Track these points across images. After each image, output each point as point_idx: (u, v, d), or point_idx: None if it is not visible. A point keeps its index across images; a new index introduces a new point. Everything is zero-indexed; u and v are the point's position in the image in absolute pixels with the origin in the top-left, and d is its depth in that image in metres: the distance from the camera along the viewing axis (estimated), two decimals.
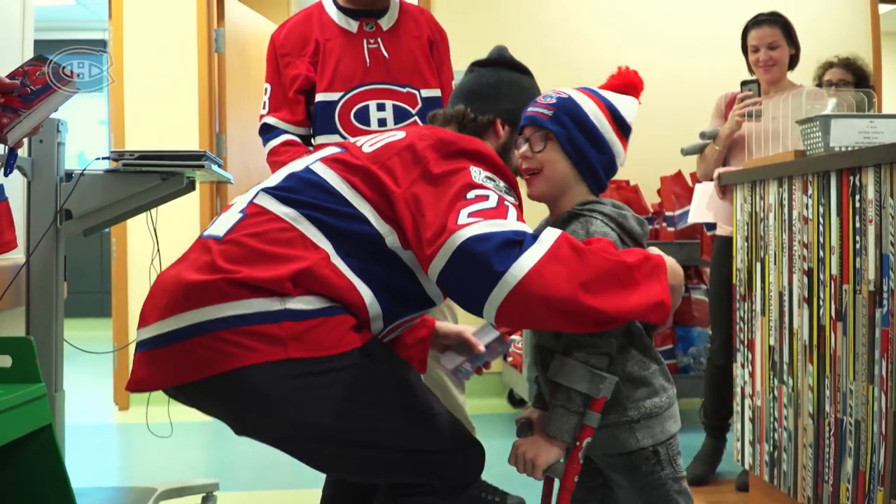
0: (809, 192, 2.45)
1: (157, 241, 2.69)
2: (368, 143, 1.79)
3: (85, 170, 2.47)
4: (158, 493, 2.73)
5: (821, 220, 2.39)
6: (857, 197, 2.22)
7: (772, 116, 3.21)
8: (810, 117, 2.56)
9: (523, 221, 1.62)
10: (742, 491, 3.12)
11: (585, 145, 1.72)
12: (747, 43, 3.43)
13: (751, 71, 3.47)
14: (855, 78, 3.80)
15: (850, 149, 2.42)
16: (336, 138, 2.64)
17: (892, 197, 2.08)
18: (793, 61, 3.43)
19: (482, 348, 2.03)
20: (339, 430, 1.63)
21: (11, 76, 1.60)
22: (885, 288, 2.11)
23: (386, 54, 2.73)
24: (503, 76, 2.03)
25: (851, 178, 2.24)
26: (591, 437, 1.60)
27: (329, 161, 1.76)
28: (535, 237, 1.55)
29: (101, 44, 8.85)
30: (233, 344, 1.56)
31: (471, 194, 1.62)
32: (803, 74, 3.59)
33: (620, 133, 1.76)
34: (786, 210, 2.59)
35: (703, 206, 3.36)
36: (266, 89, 2.79)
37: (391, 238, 1.67)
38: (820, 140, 2.49)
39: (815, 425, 2.44)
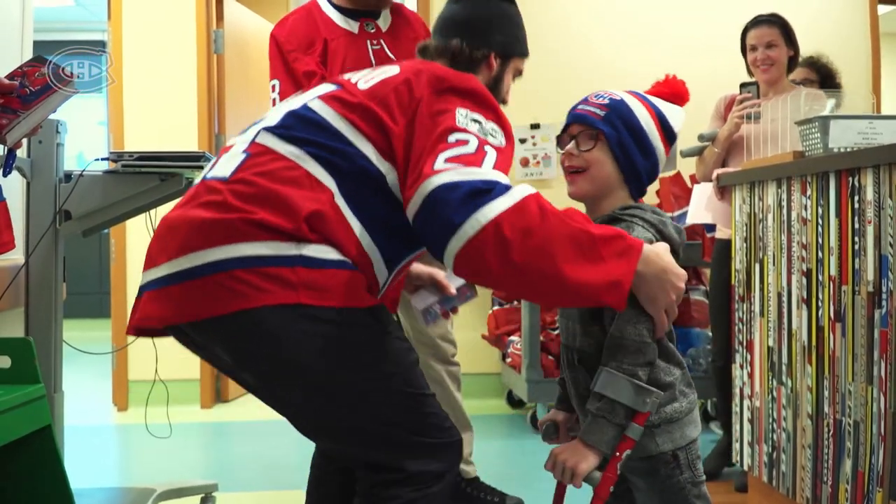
0: (808, 193, 2.46)
1: None
2: (364, 80, 1.76)
3: (84, 171, 2.47)
4: (157, 494, 2.72)
5: (819, 221, 2.39)
6: (856, 198, 2.22)
7: (771, 118, 3.22)
8: (809, 118, 2.57)
9: (503, 168, 1.61)
10: (741, 492, 3.12)
11: (634, 150, 1.71)
12: (746, 43, 3.44)
13: (749, 72, 3.47)
14: (819, 76, 3.83)
15: (848, 150, 2.42)
16: None
17: (891, 198, 2.08)
18: (791, 62, 3.44)
19: (453, 290, 2.03)
20: (332, 383, 1.62)
21: (10, 77, 1.60)
22: (883, 289, 2.11)
23: (391, 56, 2.74)
24: (493, 7, 2.02)
25: (850, 179, 2.25)
26: (632, 449, 1.59)
27: (327, 99, 1.72)
28: (506, 188, 1.54)
29: (100, 45, 8.85)
30: (245, 284, 1.54)
31: (452, 138, 1.60)
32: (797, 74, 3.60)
33: (666, 141, 1.76)
34: (785, 211, 2.59)
35: (701, 207, 3.37)
36: (274, 86, 2.75)
37: (391, 176, 1.65)
38: (819, 141, 2.50)
39: (813, 426, 2.44)
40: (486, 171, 1.55)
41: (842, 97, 3.27)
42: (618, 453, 1.58)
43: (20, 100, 1.58)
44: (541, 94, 4.85)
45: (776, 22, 3.40)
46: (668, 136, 1.76)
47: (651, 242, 1.61)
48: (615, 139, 1.69)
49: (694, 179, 3.92)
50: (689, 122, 3.70)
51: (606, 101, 1.72)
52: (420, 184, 1.55)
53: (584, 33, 4.99)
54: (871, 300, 2.16)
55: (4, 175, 1.77)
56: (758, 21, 3.43)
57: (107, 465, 3.86)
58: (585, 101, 1.75)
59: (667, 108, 1.77)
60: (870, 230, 2.16)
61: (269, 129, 1.69)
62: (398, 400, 1.68)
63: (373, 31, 2.76)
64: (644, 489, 1.72)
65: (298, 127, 1.68)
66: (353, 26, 2.75)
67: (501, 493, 2.96)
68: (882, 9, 5.30)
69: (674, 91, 1.82)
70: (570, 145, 1.73)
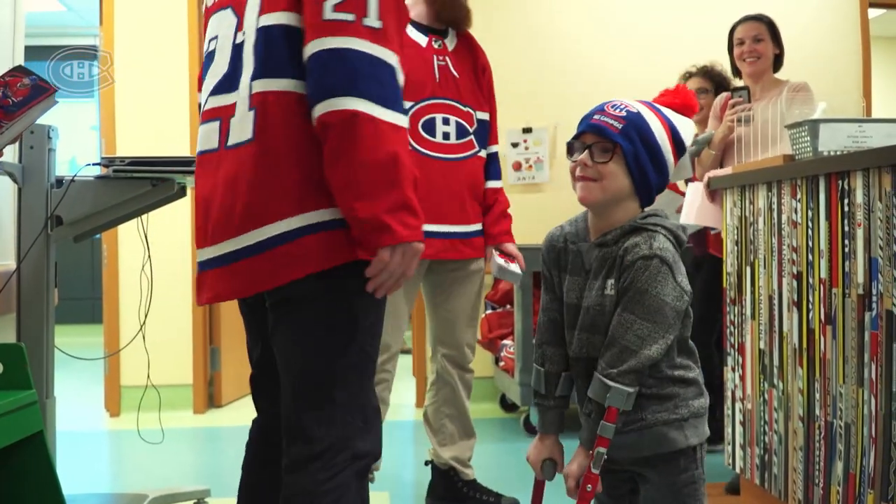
0: (798, 196, 2.47)
1: (147, 247, 2.69)
2: None
3: (76, 176, 2.46)
4: (150, 500, 2.72)
5: (810, 224, 2.40)
6: (846, 201, 2.23)
7: (762, 120, 3.24)
8: (799, 122, 2.58)
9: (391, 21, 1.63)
10: (732, 493, 3.12)
11: (648, 165, 1.71)
12: (733, 39, 3.60)
13: (734, 71, 3.59)
14: (713, 84, 3.93)
15: (838, 153, 2.43)
16: None
17: (880, 201, 2.09)
18: (777, 61, 3.56)
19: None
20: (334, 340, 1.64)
21: None
22: (873, 291, 2.12)
23: (455, 74, 2.84)
24: None
25: (840, 182, 2.26)
26: (643, 432, 1.64)
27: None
28: (392, 94, 1.59)
29: (93, 50, 8.83)
30: (305, 248, 1.58)
31: None
32: (791, 77, 3.62)
33: (676, 154, 1.77)
34: (775, 214, 2.60)
35: (693, 209, 3.38)
36: None
37: None
38: (809, 144, 2.51)
39: (805, 428, 2.45)
40: (377, 48, 1.58)
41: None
42: (591, 451, 1.63)
43: (2, 110, 1.58)
44: (533, 98, 4.87)
45: (763, 19, 3.55)
46: (679, 149, 1.77)
47: (664, 256, 1.63)
48: (632, 154, 1.69)
49: (695, 179, 3.95)
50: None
51: (624, 114, 1.71)
52: (310, 38, 1.56)
53: (576, 37, 5.00)
54: (861, 303, 2.17)
55: None
56: (745, 18, 3.58)
57: (99, 470, 3.84)
58: (602, 110, 1.73)
59: (679, 122, 1.77)
60: (860, 233, 2.17)
61: (256, 77, 1.63)
62: (359, 369, 1.68)
63: (439, 47, 2.86)
64: (655, 481, 1.74)
65: (273, 56, 1.64)
66: (421, 40, 2.84)
67: (497, 494, 2.98)
68: (872, 12, 5.33)
69: (685, 102, 1.82)
70: (584, 155, 1.71)
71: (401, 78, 1.66)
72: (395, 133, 1.57)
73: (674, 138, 1.75)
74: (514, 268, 2.86)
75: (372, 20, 1.62)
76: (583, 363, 1.73)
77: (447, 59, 2.84)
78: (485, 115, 2.92)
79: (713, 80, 3.93)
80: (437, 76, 2.80)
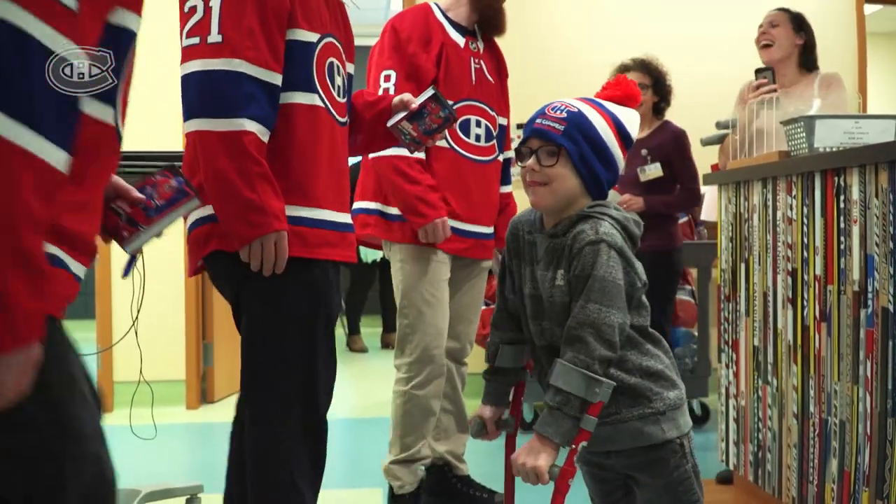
0: (794, 192, 2.46)
1: None
2: None
3: None
4: (142, 496, 2.71)
5: (805, 220, 2.39)
6: (842, 197, 2.22)
7: (793, 110, 3.19)
8: (794, 118, 2.57)
9: (235, 15, 1.76)
10: (723, 483, 3.12)
11: (595, 162, 1.71)
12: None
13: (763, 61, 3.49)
14: (652, 79, 3.87)
15: (834, 149, 2.42)
16: (443, 143, 2.75)
17: (876, 197, 2.08)
18: (803, 53, 3.44)
19: (415, 105, 2.12)
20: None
21: (141, 186, 1.54)
22: (869, 288, 2.11)
23: (490, 78, 2.88)
24: None
25: (836, 178, 2.25)
26: (587, 440, 1.59)
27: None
28: (237, 101, 1.80)
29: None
30: None
31: (186, 5, 1.72)
32: None
33: (623, 147, 1.76)
34: (770, 211, 2.60)
35: (712, 209, 3.35)
36: (388, 76, 2.74)
37: None
38: (804, 141, 2.50)
39: (799, 426, 2.44)
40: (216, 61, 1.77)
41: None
42: (573, 446, 1.58)
43: (145, 213, 1.55)
44: (528, 94, 4.84)
45: (787, 10, 3.46)
46: (626, 142, 1.75)
47: (611, 241, 1.62)
48: (576, 153, 1.68)
49: (716, 168, 3.93)
50: (694, 121, 3.71)
51: (564, 115, 1.70)
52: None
53: (574, 35, 4.99)
54: (856, 300, 2.17)
55: (124, 276, 1.76)
56: (772, 9, 3.50)
57: None
58: (543, 114, 1.73)
59: (622, 114, 1.76)
60: (855, 230, 2.16)
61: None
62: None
63: (475, 49, 2.86)
64: (649, 483, 1.73)
65: None
66: (460, 41, 2.84)
67: (491, 491, 2.97)
68: (868, 8, 5.32)
69: (626, 93, 1.80)
70: (532, 160, 1.71)
71: (256, 71, 1.82)
72: (223, 141, 1.80)
73: (619, 131, 1.74)
74: None
75: (213, 36, 1.79)
76: (546, 351, 1.72)
77: (482, 62, 2.87)
78: (504, 121, 2.96)
79: (651, 75, 3.87)
80: (474, 78, 2.82)
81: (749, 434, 2.75)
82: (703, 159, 4.25)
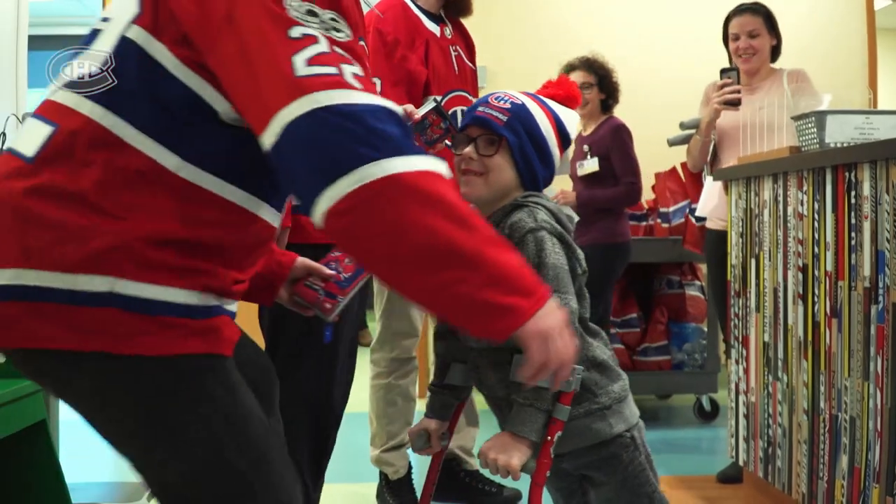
0: (804, 188, 2.45)
1: None
2: None
3: None
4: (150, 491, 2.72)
5: (816, 216, 2.39)
6: (853, 193, 2.22)
7: (758, 107, 3.19)
8: (805, 113, 2.56)
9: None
10: (725, 482, 3.13)
11: (534, 158, 1.68)
12: (728, 31, 3.42)
13: (731, 61, 3.46)
14: (597, 78, 3.87)
15: (845, 145, 2.42)
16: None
17: (887, 193, 2.08)
18: (774, 52, 3.42)
19: (417, 116, 2.02)
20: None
21: (326, 263, 1.68)
22: (880, 284, 2.11)
23: (469, 64, 2.80)
24: None
25: (847, 174, 2.25)
26: (562, 430, 1.56)
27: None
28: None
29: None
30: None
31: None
32: (799, 65, 3.57)
33: (561, 146, 1.73)
34: (781, 206, 2.59)
35: (711, 203, 3.34)
36: (374, 84, 2.57)
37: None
38: (815, 136, 2.49)
39: (809, 422, 2.44)
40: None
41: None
42: (549, 437, 1.55)
43: (338, 285, 1.68)
44: (534, 86, 4.85)
45: (759, 10, 3.37)
46: (565, 142, 1.74)
47: (552, 228, 1.59)
48: (517, 146, 1.66)
49: (685, 168, 3.92)
50: (684, 117, 3.71)
51: (509, 106, 1.68)
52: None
53: (577, 30, 4.99)
54: (867, 296, 2.16)
55: (326, 341, 1.82)
56: (740, 9, 3.40)
57: (101, 459, 3.85)
58: (486, 102, 1.70)
59: (563, 114, 1.74)
60: (866, 226, 2.16)
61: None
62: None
63: (450, 36, 2.76)
64: (605, 481, 1.69)
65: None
66: (436, 30, 2.73)
67: (499, 485, 2.98)
68: (878, 3, 5.30)
69: (568, 94, 1.78)
70: (469, 149, 1.67)
71: None
72: None
73: (559, 130, 1.72)
74: None
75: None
76: (483, 354, 1.67)
77: (458, 48, 2.78)
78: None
79: (596, 74, 3.86)
80: (456, 67, 2.75)
81: (759, 430, 2.75)
82: (679, 160, 4.24)
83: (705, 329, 4.26)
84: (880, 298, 2.11)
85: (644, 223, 4.44)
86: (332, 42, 1.24)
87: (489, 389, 1.71)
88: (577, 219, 1.76)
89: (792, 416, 2.54)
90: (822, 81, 3.48)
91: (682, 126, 3.44)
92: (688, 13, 4.98)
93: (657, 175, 4.51)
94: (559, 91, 1.78)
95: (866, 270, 2.16)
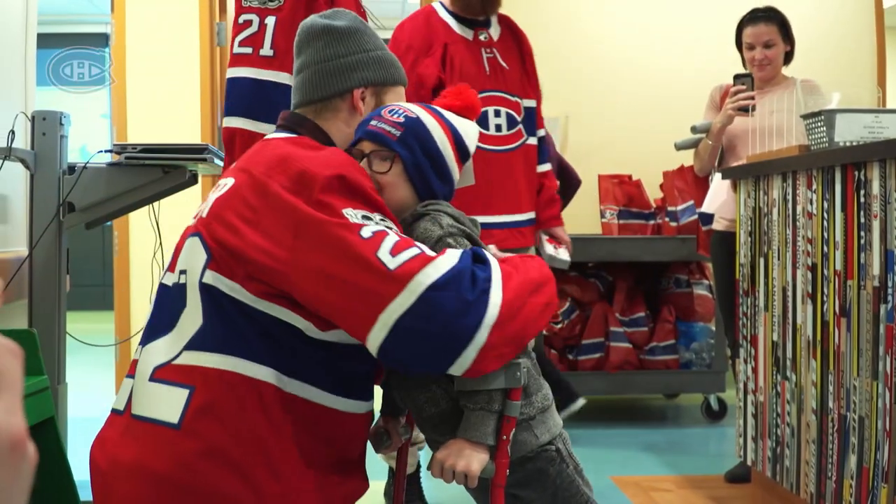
0: (814, 186, 2.45)
1: (159, 234, 2.69)
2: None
3: (88, 163, 2.46)
4: None
5: (825, 215, 2.38)
6: (862, 192, 2.21)
7: (768, 111, 3.19)
8: (814, 112, 2.55)
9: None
10: (732, 482, 3.12)
11: (430, 174, 1.62)
12: (742, 39, 3.40)
13: (745, 66, 3.45)
14: None
15: (854, 143, 2.41)
16: None
17: None
18: (788, 57, 3.40)
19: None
20: None
21: None
22: (889, 284, 2.10)
23: (504, 65, 2.85)
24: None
25: (856, 173, 2.24)
26: (518, 423, 1.54)
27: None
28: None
29: (104, 38, 8.84)
30: None
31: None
32: (801, 67, 3.56)
33: (460, 161, 1.68)
34: (790, 205, 2.59)
35: (717, 202, 3.32)
36: None
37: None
38: (824, 135, 2.49)
39: (818, 421, 2.43)
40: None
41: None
42: (504, 437, 1.53)
43: None
44: (543, 88, 4.84)
45: (774, 18, 3.35)
46: (463, 156, 1.68)
47: (459, 230, 1.57)
48: (412, 162, 1.60)
49: (690, 171, 3.91)
50: (692, 116, 3.72)
51: (402, 120, 1.61)
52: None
53: (590, 29, 4.98)
54: (876, 295, 2.16)
55: None
56: (755, 17, 3.37)
57: None
58: (379, 115, 1.63)
59: (461, 126, 1.68)
60: (876, 224, 2.15)
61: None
62: None
63: (486, 39, 2.84)
64: (536, 497, 1.66)
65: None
66: (468, 34, 2.83)
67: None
68: (887, 1, 5.27)
69: (466, 104, 1.72)
70: (362, 164, 1.60)
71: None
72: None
73: (456, 144, 1.65)
74: (563, 254, 2.88)
75: (265, 50, 1.94)
76: (400, 374, 1.62)
77: (494, 50, 2.85)
78: (531, 103, 2.93)
79: None
80: (487, 69, 2.81)
81: (767, 430, 2.74)
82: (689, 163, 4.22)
83: (713, 328, 4.25)
84: (889, 298, 2.10)
85: (652, 222, 4.43)
86: (393, 230, 1.44)
87: (418, 410, 1.63)
88: (480, 223, 1.73)
89: (800, 416, 2.53)
90: (831, 80, 3.48)
91: (694, 130, 3.44)
92: (698, 12, 4.97)
93: (665, 174, 4.50)
94: (456, 101, 1.72)
95: (875, 269, 2.16)
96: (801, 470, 2.52)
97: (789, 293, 2.59)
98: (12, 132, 2.34)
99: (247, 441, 1.39)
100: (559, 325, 4.19)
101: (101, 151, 2.53)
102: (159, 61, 4.84)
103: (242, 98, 2.00)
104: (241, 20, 2.03)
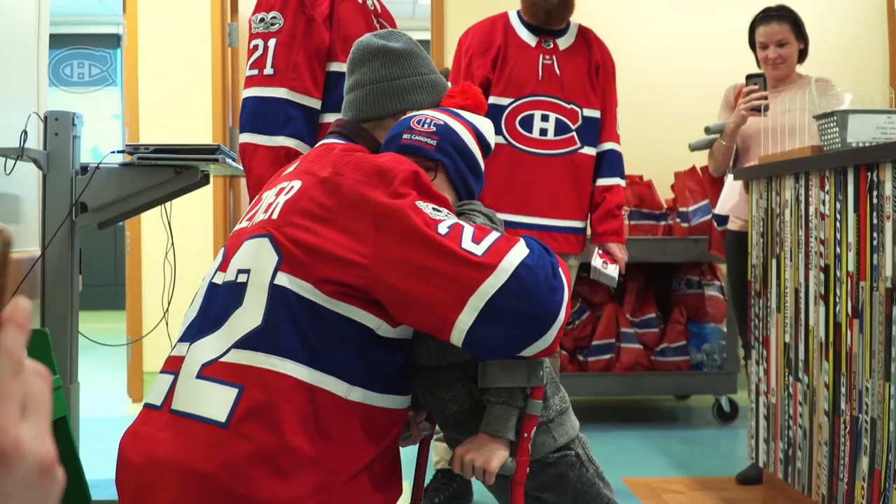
0: (826, 187, 2.44)
1: (171, 234, 2.70)
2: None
3: (100, 163, 2.47)
4: None
5: (838, 216, 2.38)
6: (875, 193, 2.20)
7: (781, 111, 3.18)
8: (827, 112, 2.54)
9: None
10: (744, 483, 3.11)
11: (468, 174, 1.67)
12: (755, 38, 3.39)
13: (759, 65, 3.43)
14: None
15: (867, 144, 2.40)
16: (499, 139, 2.81)
17: None
18: (801, 55, 3.39)
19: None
20: None
21: None
22: None
23: (558, 72, 2.90)
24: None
25: (869, 173, 2.23)
26: (537, 425, 1.56)
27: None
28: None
29: (115, 38, 8.87)
30: None
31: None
32: (813, 67, 3.54)
33: (484, 157, 1.72)
34: (802, 206, 2.58)
35: (730, 203, 3.31)
36: None
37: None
38: (837, 135, 2.48)
39: (830, 423, 2.42)
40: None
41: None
42: (525, 434, 1.54)
43: None
44: None
45: (786, 17, 3.33)
46: (486, 151, 1.72)
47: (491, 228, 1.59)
48: (452, 167, 1.64)
49: (706, 171, 3.89)
50: (704, 116, 3.70)
51: (434, 129, 1.64)
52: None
53: (602, 31, 4.96)
54: (889, 296, 2.15)
55: None
56: (767, 16, 3.35)
57: None
58: (409, 128, 1.65)
59: (480, 123, 1.72)
60: (888, 225, 2.14)
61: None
62: None
63: (549, 47, 2.93)
64: (558, 501, 1.68)
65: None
66: (531, 40, 2.93)
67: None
68: None
69: (476, 102, 1.76)
70: None
71: (298, 97, 2.15)
72: (269, 153, 2.12)
73: (479, 141, 1.70)
74: (611, 270, 2.87)
75: (268, 69, 2.17)
76: (426, 372, 1.63)
77: (554, 57, 2.91)
78: (594, 113, 2.95)
79: None
80: (540, 74, 2.87)
81: (779, 431, 2.73)
82: (700, 164, 4.21)
83: (725, 329, 4.24)
84: None
85: (663, 223, 4.42)
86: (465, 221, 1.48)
87: (441, 409, 1.65)
88: (512, 222, 1.76)
89: (812, 418, 2.52)
90: (842, 80, 3.45)
91: (708, 130, 3.42)
92: (710, 12, 4.95)
93: (676, 174, 4.49)
94: (466, 101, 1.75)
95: (888, 271, 2.15)
96: (813, 472, 2.51)
97: (801, 294, 2.58)
98: (25, 132, 2.35)
99: (296, 448, 1.36)
100: (570, 326, 4.18)
101: (114, 152, 2.54)
102: (171, 62, 4.85)
103: (249, 115, 2.20)
104: (251, 45, 2.25)
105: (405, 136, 1.64)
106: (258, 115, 2.20)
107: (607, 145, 2.99)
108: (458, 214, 1.62)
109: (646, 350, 4.22)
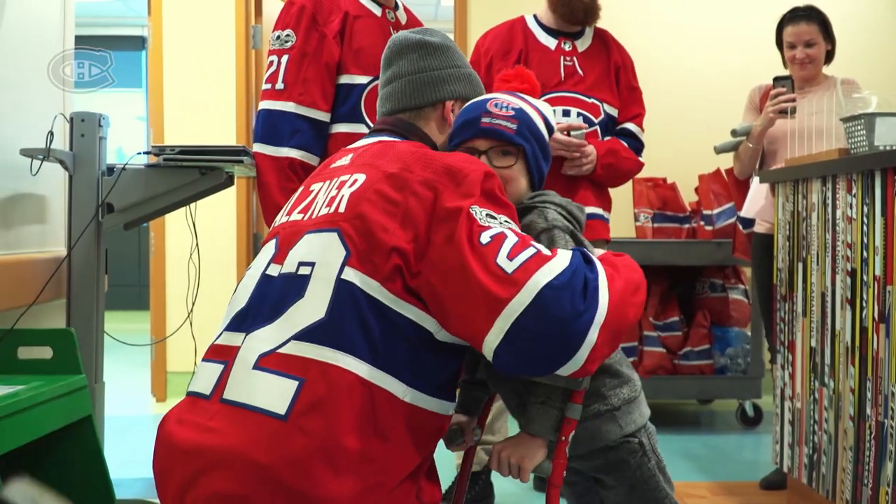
0: (853, 191, 2.42)
1: (195, 235, 2.71)
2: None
3: (127, 164, 2.49)
4: None
5: (865, 219, 2.35)
6: None
7: (808, 113, 3.15)
8: (854, 115, 2.52)
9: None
10: (767, 489, 3.09)
11: (542, 160, 1.67)
12: (783, 38, 3.37)
13: (786, 66, 3.41)
14: None
15: (895, 147, 2.38)
16: None
17: None
18: (829, 56, 3.37)
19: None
20: None
21: None
22: None
23: (580, 72, 2.92)
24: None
25: None
26: (575, 429, 1.56)
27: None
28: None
29: (141, 40, 8.93)
30: None
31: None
32: (833, 67, 3.51)
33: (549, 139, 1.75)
34: (829, 209, 2.56)
35: (756, 206, 3.29)
36: None
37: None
38: (864, 138, 2.46)
39: (855, 428, 2.40)
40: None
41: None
42: (563, 437, 1.54)
43: None
44: None
45: (815, 17, 3.31)
46: (550, 133, 1.74)
47: (563, 226, 1.60)
48: (531, 152, 1.64)
49: (731, 174, 3.87)
50: (728, 118, 3.69)
51: (513, 113, 1.64)
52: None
53: (621, 31, 4.94)
54: None
55: None
56: (796, 16, 3.34)
57: (146, 455, 3.88)
58: (486, 111, 1.64)
59: (542, 106, 1.73)
60: None
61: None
62: None
63: (569, 49, 2.95)
64: (615, 485, 1.68)
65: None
66: (551, 43, 2.95)
67: None
68: None
69: (533, 85, 1.78)
70: (482, 160, 1.61)
71: (305, 111, 2.37)
72: (275, 162, 2.37)
73: (546, 123, 1.71)
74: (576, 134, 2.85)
75: (279, 84, 2.39)
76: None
77: (574, 59, 2.93)
78: (613, 110, 2.96)
79: None
80: (563, 75, 2.89)
81: (804, 436, 2.71)
82: (725, 166, 4.18)
83: (749, 333, 4.20)
84: None
85: (687, 226, 4.40)
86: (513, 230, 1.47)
87: (506, 401, 1.71)
88: (587, 211, 1.76)
89: (838, 423, 2.50)
90: (862, 81, 3.41)
91: (734, 133, 3.40)
92: (735, 11, 4.92)
93: (701, 177, 4.46)
94: (525, 85, 1.77)
95: None
96: (838, 477, 2.49)
97: (828, 298, 2.56)
98: (51, 133, 2.37)
99: (353, 446, 1.35)
100: None
101: (140, 153, 2.55)
102: (195, 64, 4.88)
103: (260, 127, 2.40)
104: (267, 61, 2.45)
105: (484, 119, 1.64)
106: (268, 127, 2.39)
107: (626, 125, 2.99)
108: (531, 209, 1.62)
109: (669, 353, 4.20)
